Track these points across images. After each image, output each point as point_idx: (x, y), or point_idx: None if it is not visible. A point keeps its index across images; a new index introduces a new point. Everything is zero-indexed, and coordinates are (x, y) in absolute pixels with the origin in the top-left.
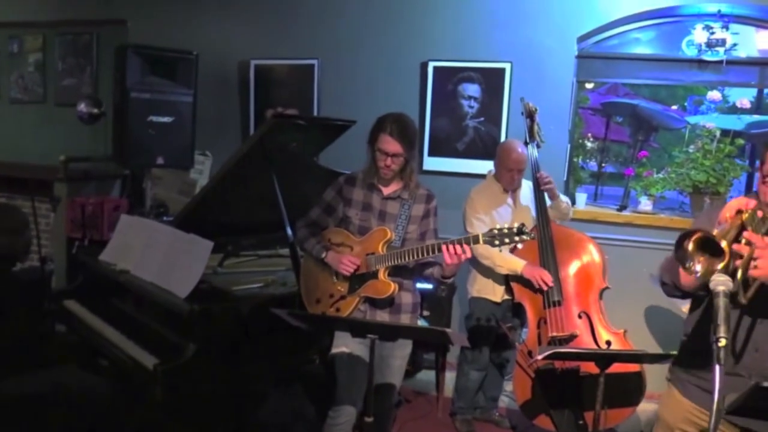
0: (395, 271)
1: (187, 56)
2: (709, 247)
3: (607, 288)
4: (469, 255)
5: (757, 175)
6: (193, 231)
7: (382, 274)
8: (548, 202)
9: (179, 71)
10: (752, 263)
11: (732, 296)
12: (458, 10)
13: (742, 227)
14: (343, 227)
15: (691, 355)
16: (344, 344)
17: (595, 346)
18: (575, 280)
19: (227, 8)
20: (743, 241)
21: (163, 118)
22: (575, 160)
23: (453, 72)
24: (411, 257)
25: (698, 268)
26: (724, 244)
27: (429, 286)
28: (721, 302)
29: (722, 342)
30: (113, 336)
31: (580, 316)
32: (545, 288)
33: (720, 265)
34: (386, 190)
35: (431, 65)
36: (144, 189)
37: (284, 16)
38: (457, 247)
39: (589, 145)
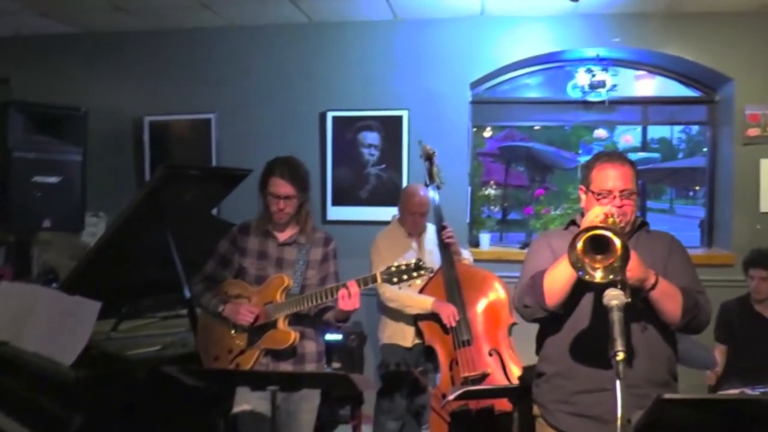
0: (296, 320)
1: (75, 113)
2: (598, 245)
3: (515, 323)
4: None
5: (583, 196)
6: (84, 295)
7: (281, 323)
8: None
9: (67, 129)
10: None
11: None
12: (355, 61)
13: (613, 229)
14: (240, 278)
15: (554, 377)
16: (245, 401)
17: (508, 383)
18: (483, 318)
19: (118, 64)
20: (618, 243)
21: (49, 178)
22: (480, 208)
23: (352, 121)
24: (310, 303)
25: (597, 273)
26: (613, 236)
27: (338, 336)
28: (616, 316)
29: (620, 356)
30: None
31: (490, 354)
32: (453, 323)
33: (616, 261)
34: (282, 236)
35: (330, 115)
36: (31, 255)
37: (178, 71)
38: (350, 289)
39: (492, 192)
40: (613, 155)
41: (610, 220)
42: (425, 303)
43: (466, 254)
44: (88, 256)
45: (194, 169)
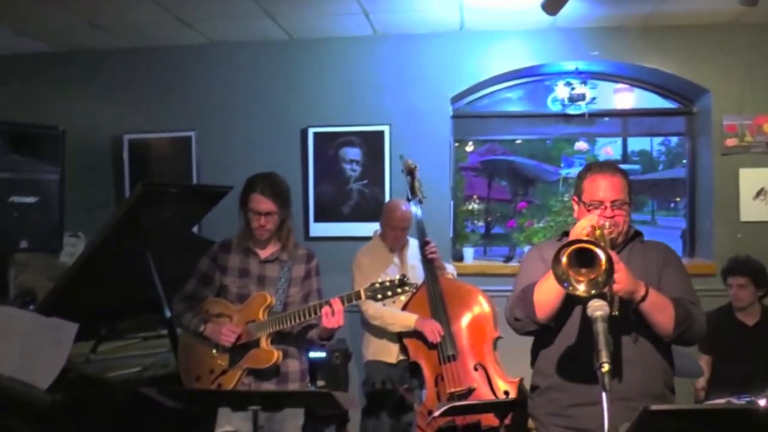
0: (279, 338)
1: (53, 132)
2: (583, 258)
3: (500, 337)
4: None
5: (576, 206)
6: (62, 317)
7: (264, 342)
8: None
9: (44, 148)
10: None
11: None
12: (335, 77)
13: (597, 243)
14: (221, 296)
15: (547, 390)
16: (227, 422)
17: (494, 398)
18: (468, 333)
19: (97, 82)
20: (603, 256)
21: (26, 198)
22: (464, 223)
23: (333, 137)
24: (293, 321)
25: (581, 287)
26: (598, 250)
27: (322, 354)
28: (600, 327)
29: (605, 367)
30: None
31: (476, 369)
32: (438, 340)
33: (600, 276)
34: (263, 253)
35: (311, 131)
36: (8, 277)
37: (157, 88)
38: (333, 306)
39: (475, 206)
40: (605, 165)
41: (598, 232)
42: (408, 320)
43: (450, 268)
44: (65, 276)
45: (174, 187)
